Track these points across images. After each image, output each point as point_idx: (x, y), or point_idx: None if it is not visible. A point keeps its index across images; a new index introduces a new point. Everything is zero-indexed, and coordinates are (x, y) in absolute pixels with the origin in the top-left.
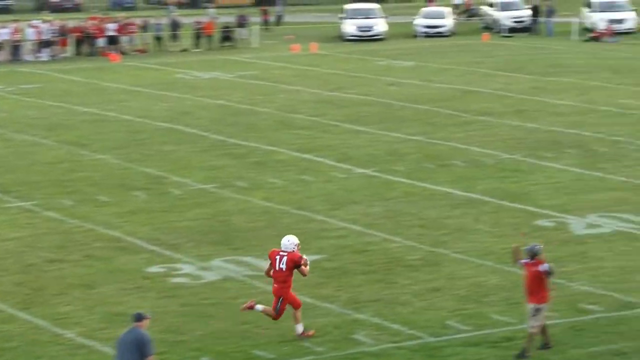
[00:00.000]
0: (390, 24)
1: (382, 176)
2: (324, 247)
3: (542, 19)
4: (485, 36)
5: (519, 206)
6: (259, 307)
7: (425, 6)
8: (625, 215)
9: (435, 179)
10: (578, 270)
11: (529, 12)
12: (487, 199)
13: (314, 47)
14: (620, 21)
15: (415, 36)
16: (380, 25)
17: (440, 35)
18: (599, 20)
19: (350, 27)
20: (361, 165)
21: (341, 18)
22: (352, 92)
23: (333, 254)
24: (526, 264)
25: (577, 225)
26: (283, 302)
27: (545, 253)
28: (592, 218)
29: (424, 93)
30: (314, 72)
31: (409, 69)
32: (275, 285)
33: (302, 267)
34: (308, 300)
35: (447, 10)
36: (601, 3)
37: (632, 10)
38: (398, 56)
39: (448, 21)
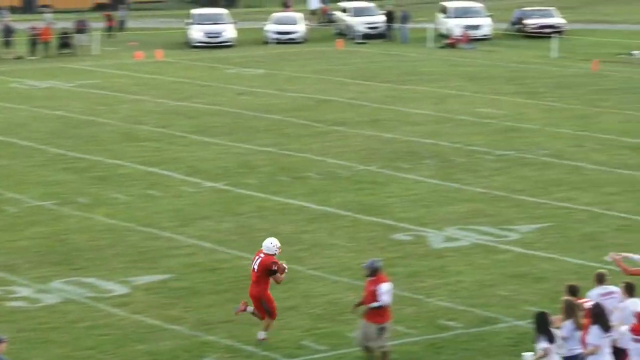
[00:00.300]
0: (239, 30)
1: (234, 190)
2: (172, 265)
3: (396, 25)
4: (339, 43)
5: (376, 219)
6: (250, 308)
7: (277, 11)
8: (483, 228)
9: (289, 192)
10: (437, 285)
11: (383, 17)
12: (343, 212)
13: (159, 54)
14: (476, 27)
15: (266, 43)
16: (229, 31)
17: (292, 41)
18: (454, 26)
19: (197, 33)
20: (211, 179)
21: (188, 24)
22: (201, 102)
23: (182, 273)
24: (366, 281)
25: (435, 238)
26: (267, 302)
27: (403, 268)
28: (450, 231)
29: (277, 102)
30: (160, 80)
31: (260, 77)
32: (251, 285)
33: (277, 274)
34: (155, 322)
35: (299, 15)
36: (456, 9)
37: (488, 16)
38: (248, 64)
39: (300, 27)
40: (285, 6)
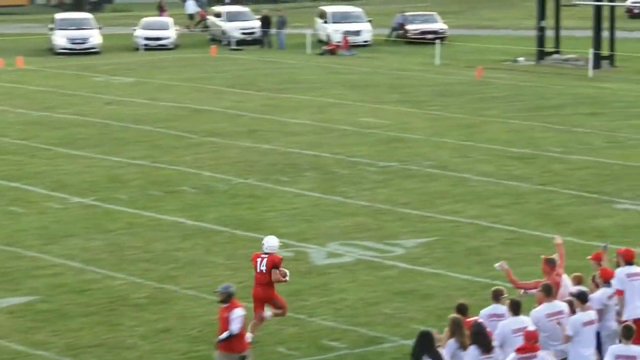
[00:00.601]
0: (106, 36)
1: (103, 205)
2: (37, 287)
3: (273, 31)
4: (213, 49)
5: (255, 235)
6: (267, 313)
7: (151, 16)
8: (367, 243)
9: (162, 208)
10: (320, 303)
11: (259, 23)
12: (219, 228)
13: (20, 61)
14: (356, 33)
15: (136, 49)
16: (94, 37)
17: (163, 48)
18: (333, 32)
19: (61, 39)
20: (78, 194)
21: (51, 29)
22: (66, 112)
23: (48, 294)
24: (220, 308)
25: (317, 254)
26: (278, 300)
27: (284, 286)
28: (333, 246)
29: (148, 112)
30: (21, 89)
31: (129, 86)
32: (257, 288)
33: (276, 270)
34: (20, 348)
35: (170, 20)
36: (335, 14)
37: (368, 21)
38: (117, 71)
39: (171, 32)
40: (161, 10)
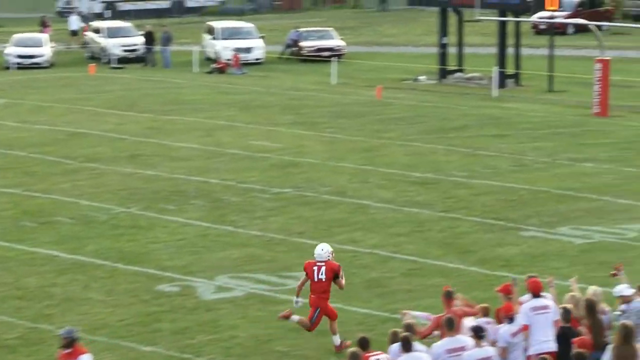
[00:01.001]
0: None
1: None
2: None
3: (157, 48)
4: (92, 67)
5: (138, 269)
6: (295, 317)
7: (31, 32)
8: (259, 275)
9: (35, 240)
10: (208, 341)
11: (142, 39)
12: (99, 261)
13: None
14: (247, 50)
15: (7, 68)
16: None
17: (37, 66)
18: (223, 49)
19: None
20: None
21: None
22: None
23: None
24: (61, 353)
25: (206, 289)
26: (320, 313)
27: (169, 323)
28: (223, 280)
29: (20, 137)
30: None
31: None
32: (313, 296)
33: (340, 279)
34: None
35: (45, 37)
36: (225, 29)
37: (260, 37)
38: None
39: (46, 50)
40: (44, 26)
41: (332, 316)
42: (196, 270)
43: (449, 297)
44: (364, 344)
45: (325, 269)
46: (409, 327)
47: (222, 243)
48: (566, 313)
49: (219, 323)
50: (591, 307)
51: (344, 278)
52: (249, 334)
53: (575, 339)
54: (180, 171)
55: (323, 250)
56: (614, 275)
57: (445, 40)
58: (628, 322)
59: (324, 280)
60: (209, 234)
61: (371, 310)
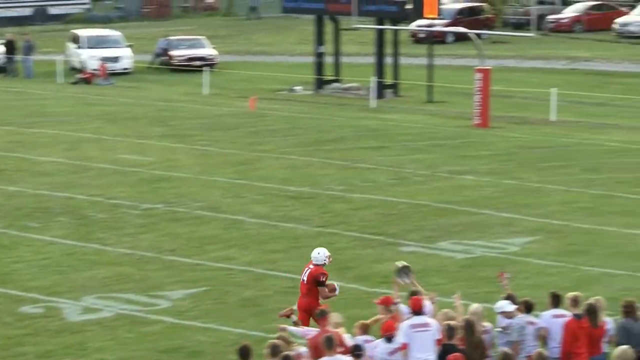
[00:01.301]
0: None
1: None
2: None
3: (19, 57)
4: None
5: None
6: (294, 317)
7: None
8: (128, 295)
9: None
10: None
11: (2, 48)
12: None
13: None
14: (114, 59)
15: None
16: None
17: None
18: (89, 58)
19: None
20: None
21: None
22: None
23: None
24: None
25: (72, 310)
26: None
27: (33, 346)
28: (90, 300)
29: None
30: None
31: None
32: (300, 297)
33: (324, 288)
34: None
35: None
36: (90, 38)
37: (128, 46)
38: None
39: None
40: None
41: (304, 320)
42: (62, 290)
43: (322, 315)
44: (245, 354)
45: (309, 272)
46: (282, 339)
47: (89, 262)
48: (450, 330)
49: (86, 345)
50: (470, 326)
51: (328, 288)
52: (118, 357)
53: (449, 356)
54: (44, 187)
55: (319, 253)
56: (502, 283)
57: (321, 49)
58: (508, 350)
59: (304, 282)
60: (75, 253)
61: (246, 330)
